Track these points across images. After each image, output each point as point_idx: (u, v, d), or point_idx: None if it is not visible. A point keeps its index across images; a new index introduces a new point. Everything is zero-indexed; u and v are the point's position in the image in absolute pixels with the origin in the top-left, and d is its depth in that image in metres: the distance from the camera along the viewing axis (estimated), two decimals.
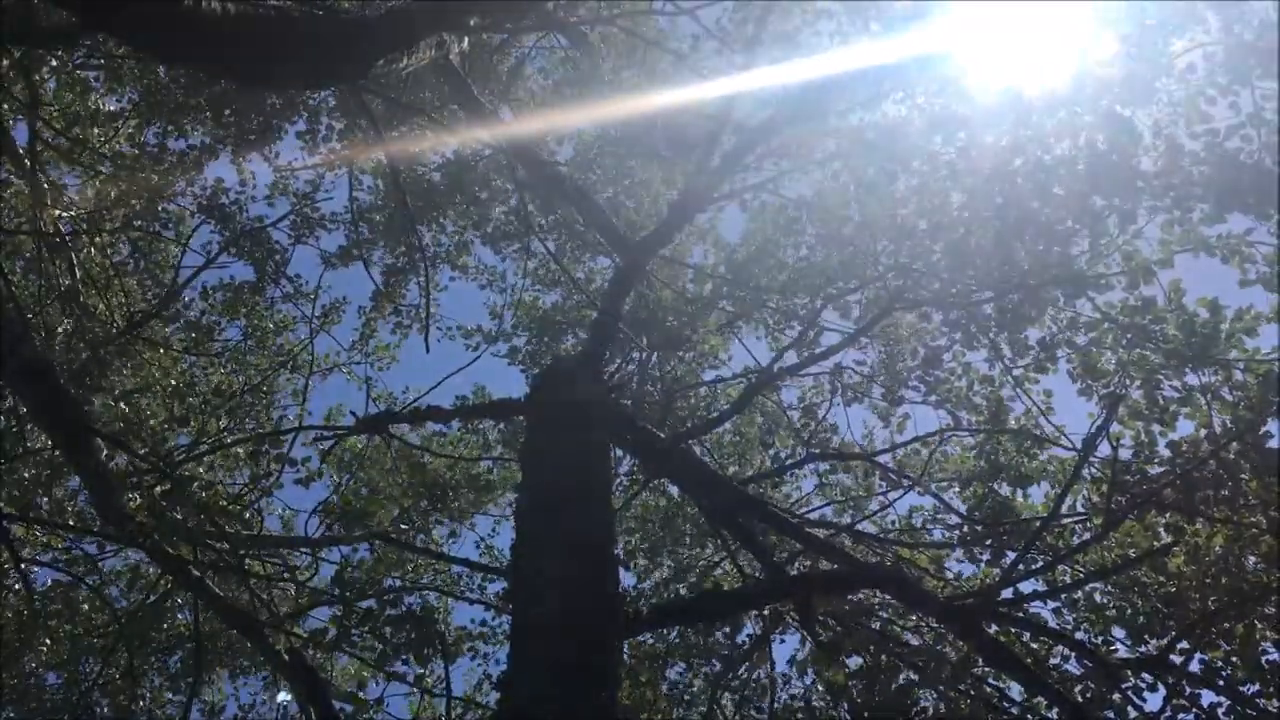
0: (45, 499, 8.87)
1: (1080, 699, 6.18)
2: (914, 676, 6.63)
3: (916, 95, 8.04)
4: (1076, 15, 6.26)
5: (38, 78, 8.94)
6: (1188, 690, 6.11)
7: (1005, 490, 8.54)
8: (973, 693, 6.63)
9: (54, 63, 9.23)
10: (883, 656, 6.82)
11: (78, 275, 9.90)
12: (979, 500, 8.52)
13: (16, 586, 8.15)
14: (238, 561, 7.57)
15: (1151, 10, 5.87)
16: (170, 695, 10.95)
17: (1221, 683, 6.18)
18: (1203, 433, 6.71)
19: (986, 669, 6.55)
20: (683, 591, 10.50)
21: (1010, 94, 6.94)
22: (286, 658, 7.31)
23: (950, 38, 7.13)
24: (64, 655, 9.74)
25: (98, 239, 10.20)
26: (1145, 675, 6.21)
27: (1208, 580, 6.60)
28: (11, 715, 9.49)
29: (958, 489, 9.08)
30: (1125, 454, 6.97)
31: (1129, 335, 7.16)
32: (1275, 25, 5.11)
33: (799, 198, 10.66)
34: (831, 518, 10.41)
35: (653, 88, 11.45)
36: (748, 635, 8.86)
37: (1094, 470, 7.62)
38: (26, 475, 8.93)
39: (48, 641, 9.38)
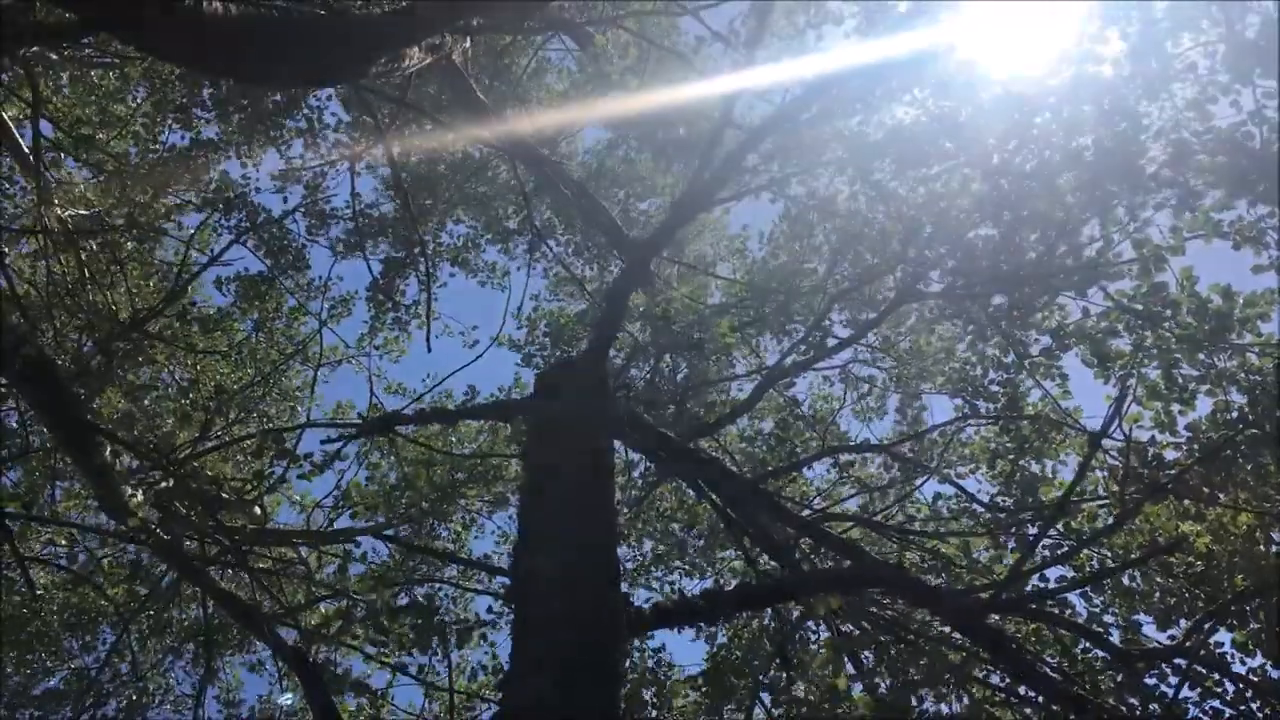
0: (51, 495, 8.90)
1: (1113, 684, 6.18)
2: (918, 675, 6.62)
3: (921, 95, 8.00)
4: (1080, 14, 6.24)
5: (45, 82, 8.97)
6: (1215, 676, 6.08)
7: (1034, 467, 8.43)
8: (1003, 690, 6.62)
9: (59, 61, 9.26)
10: (887, 655, 6.82)
11: (85, 273, 9.92)
12: (1008, 476, 8.43)
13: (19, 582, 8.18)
14: (241, 556, 7.59)
15: (1154, 9, 5.85)
16: (180, 679, 11.05)
17: (1246, 668, 6.19)
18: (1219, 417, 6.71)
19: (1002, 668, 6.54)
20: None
21: (1015, 92, 6.92)
22: (290, 652, 7.34)
23: (953, 37, 7.11)
24: (65, 653, 9.81)
25: (110, 238, 10.21)
26: (1166, 665, 6.19)
27: (1235, 559, 6.60)
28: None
29: (984, 469, 8.98)
30: (1146, 434, 6.95)
31: (1141, 321, 7.11)
32: (1276, 24, 5.09)
33: (803, 198, 10.64)
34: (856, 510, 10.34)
35: (659, 89, 11.44)
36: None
37: (1111, 456, 7.56)
38: (39, 468, 8.96)
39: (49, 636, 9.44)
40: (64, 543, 9.15)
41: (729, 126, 8.49)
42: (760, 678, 8.38)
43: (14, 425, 8.57)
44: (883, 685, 6.76)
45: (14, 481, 8.68)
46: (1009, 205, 7.28)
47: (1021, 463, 8.35)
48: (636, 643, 9.83)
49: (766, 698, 7.54)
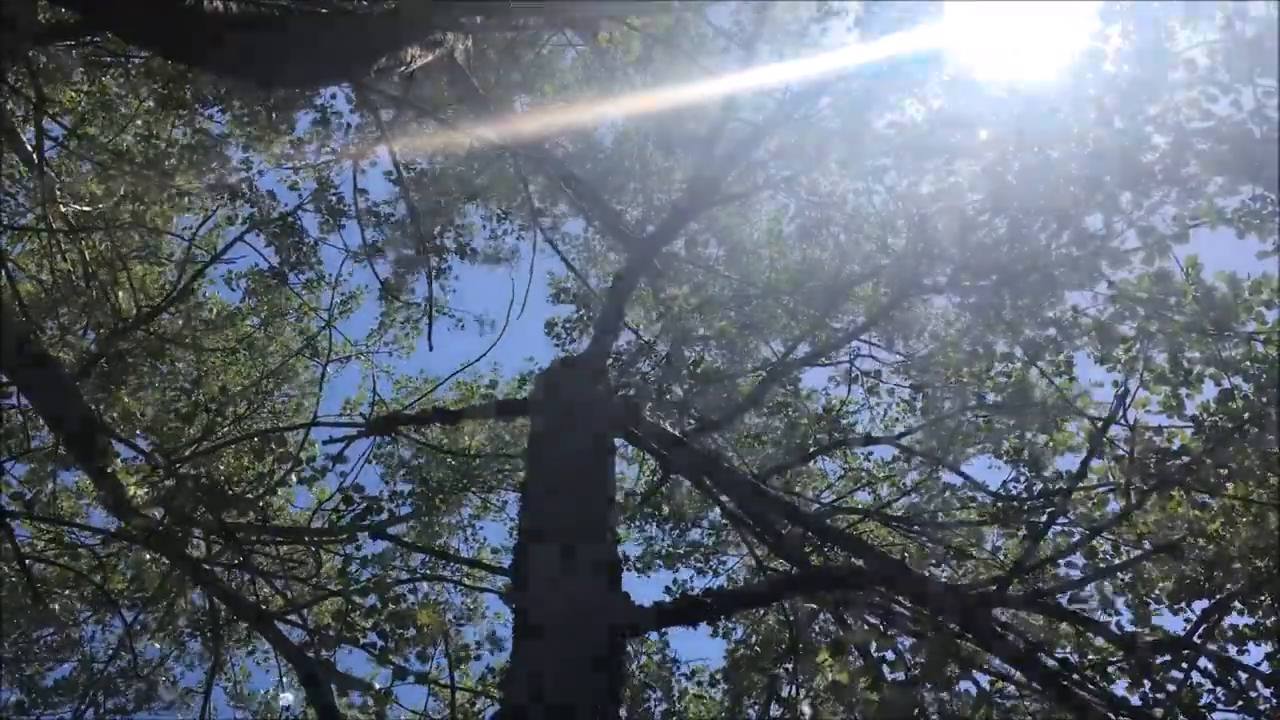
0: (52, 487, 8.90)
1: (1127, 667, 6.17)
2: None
3: (923, 94, 7.99)
4: (1080, 13, 6.23)
5: (48, 80, 8.97)
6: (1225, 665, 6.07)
7: (1041, 440, 8.39)
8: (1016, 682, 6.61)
9: (67, 63, 9.26)
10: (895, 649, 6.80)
11: (89, 270, 9.93)
12: (1015, 453, 8.38)
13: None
14: (245, 555, 7.60)
15: (1154, 9, 5.83)
16: (191, 666, 11.10)
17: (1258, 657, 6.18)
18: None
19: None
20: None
21: (1015, 90, 6.91)
22: (292, 651, 7.35)
23: (954, 37, 7.11)
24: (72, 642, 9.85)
25: (114, 235, 10.23)
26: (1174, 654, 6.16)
27: (1245, 543, 6.58)
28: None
29: (991, 449, 8.94)
30: (1154, 419, 6.92)
31: (1145, 310, 7.05)
32: (1275, 23, 5.07)
33: (809, 194, 10.61)
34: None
35: (664, 86, 11.41)
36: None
37: (1118, 446, 7.53)
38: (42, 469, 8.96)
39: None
40: (66, 543, 9.16)
41: (732, 123, 8.47)
42: (776, 671, 8.39)
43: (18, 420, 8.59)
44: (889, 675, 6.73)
45: (17, 478, 8.71)
46: (1013, 198, 7.27)
47: (1029, 438, 8.28)
48: (639, 642, 9.82)
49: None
